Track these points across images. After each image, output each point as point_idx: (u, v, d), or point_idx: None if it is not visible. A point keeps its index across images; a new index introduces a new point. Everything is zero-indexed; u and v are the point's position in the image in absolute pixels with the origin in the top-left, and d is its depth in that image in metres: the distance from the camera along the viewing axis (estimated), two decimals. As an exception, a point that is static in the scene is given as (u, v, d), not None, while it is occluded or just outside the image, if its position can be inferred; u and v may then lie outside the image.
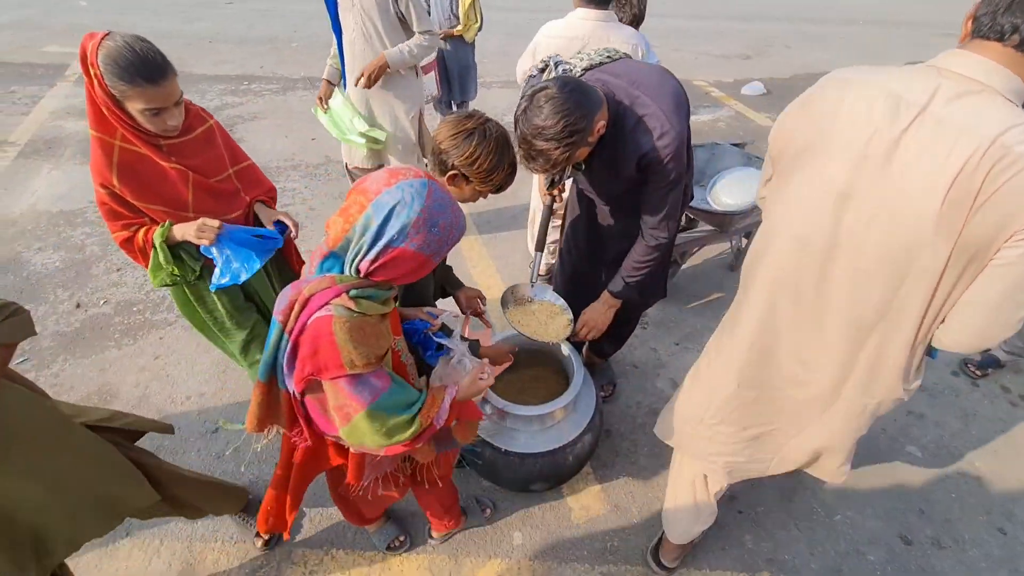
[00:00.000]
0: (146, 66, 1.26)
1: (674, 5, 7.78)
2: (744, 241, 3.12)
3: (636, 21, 2.86)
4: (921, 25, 7.39)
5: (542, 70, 1.66)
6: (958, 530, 1.97)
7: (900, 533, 1.95)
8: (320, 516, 1.89)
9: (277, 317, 0.98)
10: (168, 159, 1.42)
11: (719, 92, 5.54)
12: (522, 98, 1.37)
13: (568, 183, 1.95)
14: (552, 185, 1.85)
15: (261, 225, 1.65)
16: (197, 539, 1.80)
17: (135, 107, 1.29)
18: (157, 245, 1.46)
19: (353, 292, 0.96)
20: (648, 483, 2.07)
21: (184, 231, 1.44)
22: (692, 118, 4.26)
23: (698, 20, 7.00)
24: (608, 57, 1.62)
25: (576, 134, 1.31)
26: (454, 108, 4.17)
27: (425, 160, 2.86)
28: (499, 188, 1.36)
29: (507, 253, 3.26)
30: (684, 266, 3.08)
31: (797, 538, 1.92)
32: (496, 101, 5.24)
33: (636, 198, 1.69)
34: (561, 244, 2.14)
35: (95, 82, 1.25)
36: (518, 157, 1.38)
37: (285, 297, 0.98)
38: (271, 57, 5.74)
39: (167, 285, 1.56)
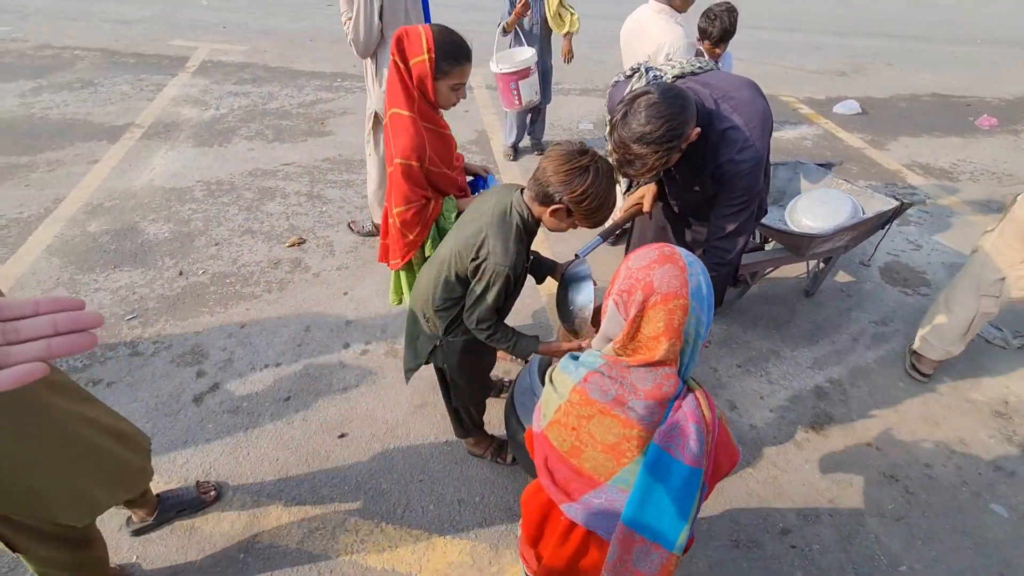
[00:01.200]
0: (466, 47, 1.62)
1: (768, 17, 7.47)
2: (822, 266, 2.97)
3: (726, 36, 2.81)
4: (1052, 46, 6.69)
5: (629, 76, 1.68)
6: (1045, 603, 1.78)
7: (974, 596, 1.79)
8: (374, 491, 2.00)
9: (690, 462, 0.90)
10: (445, 127, 1.79)
11: (808, 109, 5.27)
12: (619, 103, 1.39)
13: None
14: (629, 189, 1.87)
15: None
16: (264, 495, 1.96)
17: (448, 83, 1.61)
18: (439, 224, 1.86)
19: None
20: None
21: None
22: (775, 134, 4.14)
23: (792, 33, 6.69)
24: (699, 67, 1.62)
25: (676, 139, 1.32)
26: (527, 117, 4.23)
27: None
28: (597, 224, 1.39)
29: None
30: (755, 287, 2.98)
31: (854, 583, 1.81)
32: (573, 107, 5.27)
33: (709, 211, 1.67)
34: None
35: (428, 63, 1.55)
36: (615, 160, 1.40)
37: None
38: (340, 57, 6.06)
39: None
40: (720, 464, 0.96)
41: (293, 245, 3.24)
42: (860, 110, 5.25)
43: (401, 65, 1.57)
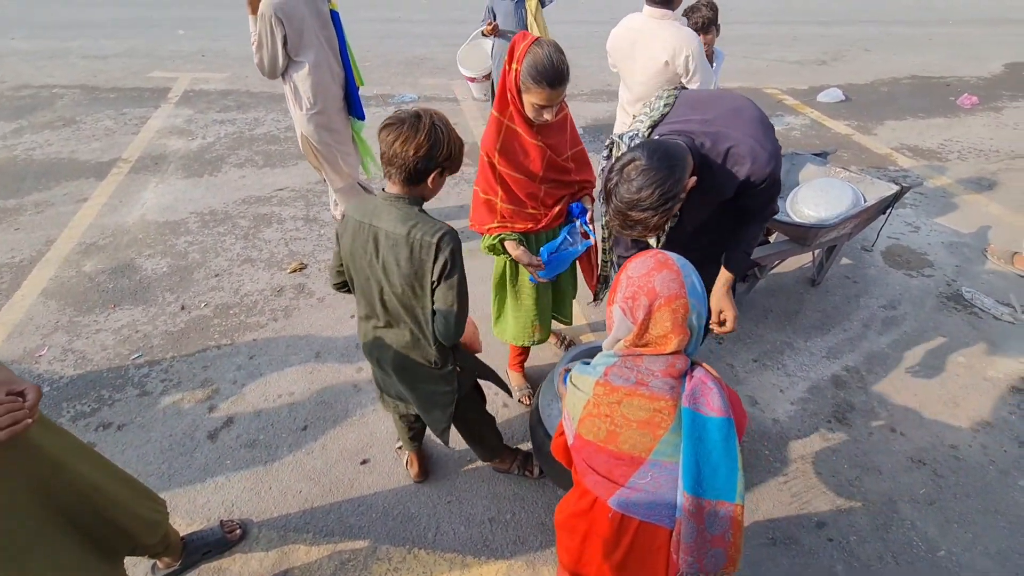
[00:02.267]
0: (551, 73, 1.55)
1: (752, 12, 7.58)
2: (827, 255, 2.98)
3: (707, 25, 2.83)
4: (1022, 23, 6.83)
5: (607, 156, 1.65)
6: (1086, 577, 1.78)
7: (1016, 575, 1.79)
8: (402, 516, 1.96)
9: (719, 413, 0.98)
10: (536, 137, 1.75)
11: (793, 100, 5.33)
12: (610, 172, 1.37)
13: None
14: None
15: (570, 220, 1.99)
16: (291, 529, 1.91)
17: (530, 99, 1.61)
18: (496, 244, 1.91)
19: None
20: (729, 503, 2.00)
21: (518, 255, 1.88)
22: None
23: (774, 26, 6.78)
24: (665, 104, 1.59)
25: (672, 199, 1.31)
26: None
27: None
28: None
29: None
30: (762, 280, 2.98)
31: (896, 572, 1.80)
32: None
33: (724, 217, 1.67)
34: None
35: (512, 74, 1.60)
36: (615, 225, 1.40)
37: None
38: (347, 76, 6.09)
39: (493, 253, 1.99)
40: (739, 420, 1.04)
41: (295, 271, 3.20)
42: (843, 97, 5.32)
43: (508, 67, 1.62)
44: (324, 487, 2.06)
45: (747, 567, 1.82)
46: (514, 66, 1.57)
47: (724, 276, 1.75)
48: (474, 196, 1.92)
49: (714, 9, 2.81)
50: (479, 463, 2.14)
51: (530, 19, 3.72)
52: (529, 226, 1.89)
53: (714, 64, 3.00)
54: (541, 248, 1.90)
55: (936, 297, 2.97)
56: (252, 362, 2.60)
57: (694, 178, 1.38)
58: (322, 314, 2.89)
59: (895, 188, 2.71)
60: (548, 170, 1.81)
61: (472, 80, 4.21)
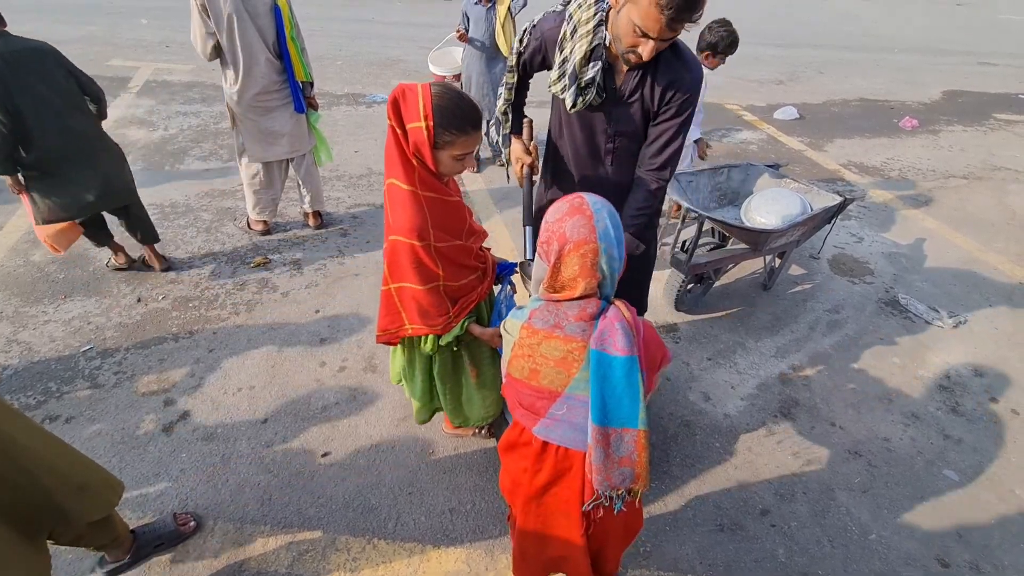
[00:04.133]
0: (475, 114, 1.38)
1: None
2: (777, 261, 3.15)
3: (714, 48, 2.97)
4: (964, 54, 7.34)
5: (565, 6, 1.65)
6: (997, 556, 1.94)
7: (937, 556, 1.93)
8: (363, 507, 1.97)
9: (623, 352, 1.04)
10: (453, 192, 1.54)
11: (751, 116, 5.59)
12: None
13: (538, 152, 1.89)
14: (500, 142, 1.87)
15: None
16: (248, 521, 1.90)
17: (451, 153, 1.36)
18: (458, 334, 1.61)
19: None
20: (680, 491, 2.10)
21: (487, 332, 1.65)
22: (724, 139, 4.34)
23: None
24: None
25: None
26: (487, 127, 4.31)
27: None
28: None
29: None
30: (717, 284, 3.12)
31: (831, 555, 1.92)
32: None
33: (638, 146, 1.74)
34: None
35: (426, 131, 1.30)
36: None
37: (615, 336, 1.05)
38: (318, 74, 6.03)
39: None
40: (652, 355, 1.14)
41: (258, 265, 3.16)
42: (798, 115, 5.61)
43: (398, 130, 1.34)
44: (283, 479, 2.04)
45: (696, 553, 1.91)
46: (422, 123, 1.30)
47: None
48: (396, 296, 1.55)
49: (734, 38, 2.95)
50: (441, 454, 2.17)
51: (498, 27, 3.80)
52: (480, 291, 1.67)
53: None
54: (499, 306, 1.75)
55: (875, 303, 3.18)
56: (211, 355, 2.55)
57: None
58: (286, 308, 2.87)
59: (839, 199, 2.89)
60: (469, 219, 1.63)
61: (442, 79, 4.25)
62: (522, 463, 1.26)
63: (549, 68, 1.70)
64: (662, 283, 3.03)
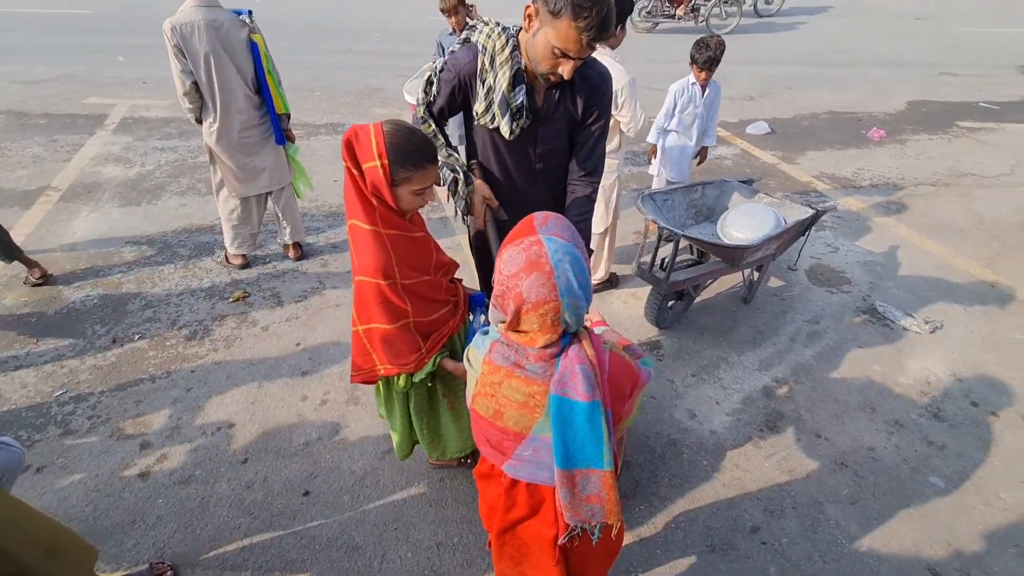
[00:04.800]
0: (429, 148, 1.38)
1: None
2: (756, 274, 3.19)
3: (710, 63, 3.13)
4: (927, 65, 7.62)
5: (466, 40, 1.68)
6: (987, 563, 1.94)
7: (929, 566, 1.93)
8: (347, 546, 1.92)
9: (584, 398, 1.00)
10: (418, 227, 1.53)
11: (725, 132, 5.72)
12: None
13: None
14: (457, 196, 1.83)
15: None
16: (228, 567, 1.83)
17: (410, 188, 1.37)
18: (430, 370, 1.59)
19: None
20: (669, 512, 2.08)
21: (459, 366, 1.59)
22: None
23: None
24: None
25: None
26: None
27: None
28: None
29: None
30: (698, 299, 3.15)
31: (823, 570, 1.91)
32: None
33: (566, 159, 1.79)
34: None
35: (381, 169, 1.31)
36: (591, 23, 1.34)
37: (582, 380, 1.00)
38: (296, 105, 6.05)
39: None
40: (621, 386, 1.10)
41: (237, 300, 3.13)
42: (769, 130, 5.75)
43: (355, 171, 1.34)
44: (264, 521, 1.99)
45: (688, 574, 1.88)
46: (377, 162, 1.30)
47: None
48: (364, 339, 1.54)
49: (720, 50, 3.10)
50: (427, 487, 2.13)
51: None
52: (451, 325, 1.65)
53: (709, 91, 3.30)
54: (473, 337, 1.75)
55: (854, 311, 3.22)
56: (190, 395, 2.50)
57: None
58: (266, 343, 2.83)
59: (811, 212, 2.95)
60: (437, 253, 1.62)
61: (411, 107, 4.30)
62: (496, 490, 1.24)
63: (468, 106, 1.70)
64: (643, 301, 3.05)
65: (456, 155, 1.83)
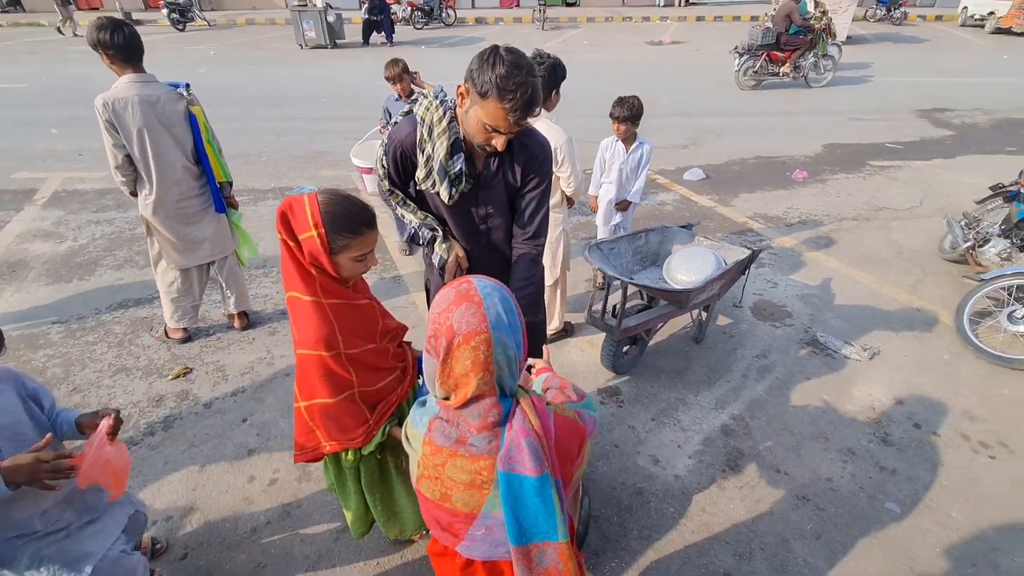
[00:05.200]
0: (366, 213, 1.35)
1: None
2: (704, 314, 3.30)
3: (632, 117, 3.36)
4: (837, 112, 8.41)
5: (409, 110, 1.77)
6: (949, 586, 1.97)
7: (895, 596, 1.94)
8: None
9: (533, 472, 0.97)
10: (363, 294, 1.49)
11: (664, 179, 6.05)
12: (481, 65, 1.46)
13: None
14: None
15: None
16: None
17: (349, 255, 1.34)
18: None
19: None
20: (640, 566, 2.02)
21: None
22: (644, 202, 4.61)
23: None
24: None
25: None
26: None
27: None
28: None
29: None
30: (651, 342, 3.21)
31: (796, 612, 1.88)
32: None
33: (510, 222, 1.85)
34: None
35: (318, 239, 1.29)
36: (516, 104, 1.43)
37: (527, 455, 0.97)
38: (241, 171, 6.02)
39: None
40: (568, 449, 1.07)
41: (177, 376, 2.95)
42: (704, 175, 6.12)
43: (291, 243, 1.32)
44: (206, 625, 1.80)
45: (665, 633, 1.82)
46: (313, 232, 1.29)
47: None
48: (307, 416, 1.48)
49: (639, 108, 3.35)
50: (388, 566, 2.00)
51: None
52: (399, 392, 1.60)
53: (644, 148, 3.50)
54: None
55: (798, 344, 3.36)
56: (121, 486, 2.29)
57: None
58: (209, 421, 2.66)
59: (748, 252, 3.12)
60: (383, 319, 1.59)
61: (369, 171, 4.34)
62: (452, 567, 1.18)
63: (413, 174, 1.78)
64: (599, 348, 3.08)
65: (430, 215, 1.89)
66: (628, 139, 3.45)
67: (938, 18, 17.72)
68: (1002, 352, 3.17)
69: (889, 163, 6.53)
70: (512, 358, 0.99)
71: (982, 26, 15.48)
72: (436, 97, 1.66)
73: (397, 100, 4.01)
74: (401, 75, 3.84)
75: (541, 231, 1.83)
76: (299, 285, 1.36)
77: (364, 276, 1.53)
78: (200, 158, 2.84)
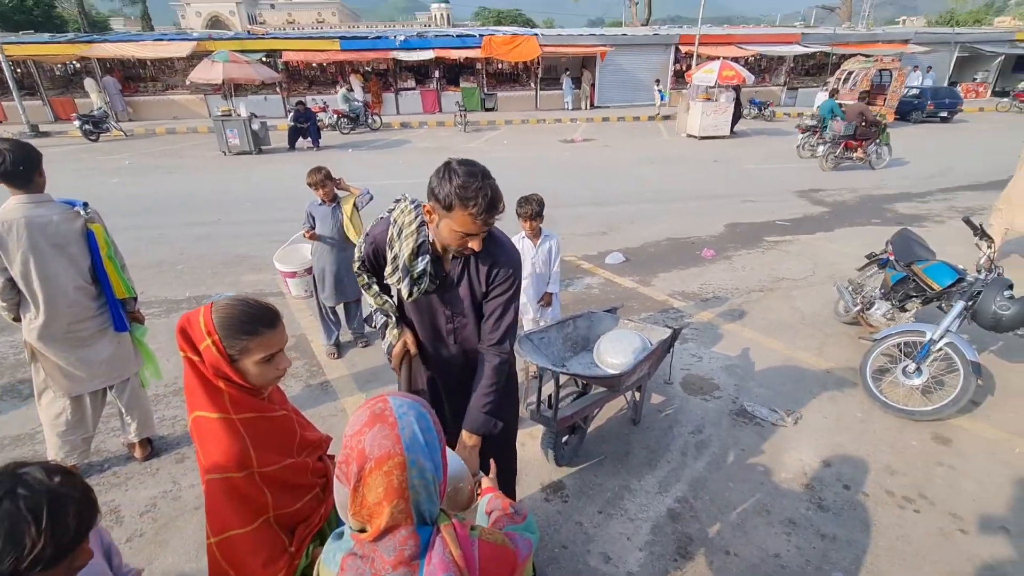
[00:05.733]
0: (263, 313, 1.30)
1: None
2: (638, 395, 3.36)
3: (536, 214, 3.50)
4: (731, 196, 9.44)
5: (391, 211, 1.87)
6: (905, 658, 1.96)
7: (858, 677, 1.89)
8: None
9: None
10: (279, 405, 1.41)
11: (588, 264, 6.38)
12: (440, 180, 1.58)
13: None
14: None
15: None
16: None
17: (253, 359, 1.28)
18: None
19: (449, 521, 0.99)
20: None
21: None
22: (570, 288, 4.79)
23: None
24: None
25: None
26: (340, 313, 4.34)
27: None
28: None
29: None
30: (589, 430, 3.20)
31: None
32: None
33: (476, 322, 1.87)
34: None
35: (215, 347, 1.24)
36: (481, 207, 1.55)
37: None
38: (155, 281, 5.70)
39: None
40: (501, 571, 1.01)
41: (60, 526, 2.53)
42: (624, 259, 6.53)
43: (194, 357, 1.27)
44: None
45: None
46: (207, 341, 1.24)
47: (461, 437, 1.80)
48: (218, 552, 1.33)
49: (541, 204, 3.51)
50: None
51: (346, 221, 4.04)
52: (321, 512, 1.48)
53: (552, 244, 3.63)
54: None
55: (728, 415, 3.48)
56: None
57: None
58: None
59: (669, 331, 3.28)
60: (301, 439, 1.48)
61: (292, 275, 4.24)
62: None
63: (383, 268, 1.88)
64: (538, 440, 3.02)
65: (391, 301, 1.99)
66: (535, 234, 3.61)
67: (799, 114, 20.95)
68: (904, 405, 3.44)
69: (781, 238, 7.30)
70: (430, 481, 0.93)
71: (834, 121, 18.42)
72: (413, 201, 1.79)
73: (320, 204, 4.04)
74: (324, 181, 3.92)
75: (506, 337, 1.84)
76: (205, 403, 1.27)
77: (287, 385, 1.45)
78: (98, 277, 2.66)
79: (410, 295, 1.79)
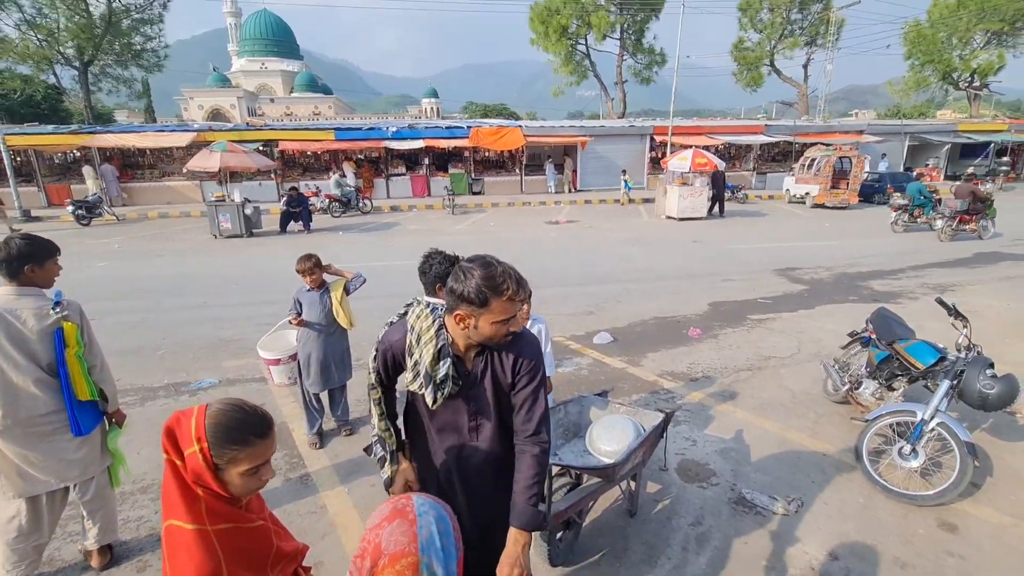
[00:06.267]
0: (256, 422, 1.25)
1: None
2: (633, 484, 3.24)
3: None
4: (712, 275, 9.71)
5: (404, 314, 1.90)
6: None
7: None
8: None
9: None
10: (251, 519, 1.34)
11: (576, 344, 6.38)
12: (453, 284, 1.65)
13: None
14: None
15: None
16: None
17: (239, 470, 1.23)
18: None
19: None
20: None
21: None
22: (559, 370, 4.79)
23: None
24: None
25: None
26: (324, 400, 4.23)
27: None
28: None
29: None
30: (586, 523, 3.04)
31: None
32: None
33: (499, 418, 1.83)
34: None
35: (200, 455, 1.19)
36: (513, 288, 1.63)
37: None
38: (133, 368, 5.53)
39: None
40: None
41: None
42: (612, 339, 6.56)
43: (178, 462, 1.21)
44: None
45: None
46: (195, 447, 1.20)
47: (513, 535, 1.70)
48: None
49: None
50: None
51: (335, 306, 4.04)
52: None
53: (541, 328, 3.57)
54: None
55: (727, 503, 3.34)
56: None
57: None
58: None
59: (662, 415, 3.23)
60: (278, 542, 1.44)
61: (276, 363, 4.16)
62: None
63: (399, 374, 1.88)
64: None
65: (391, 431, 1.94)
66: (524, 319, 3.63)
67: (771, 197, 22.15)
68: (905, 490, 3.35)
69: (764, 316, 7.43)
70: None
71: (803, 202, 19.47)
72: (428, 304, 1.79)
73: (308, 291, 4.06)
74: (313, 269, 3.97)
75: (542, 426, 1.80)
76: (181, 511, 1.20)
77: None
78: (60, 376, 2.55)
79: (434, 402, 1.77)
